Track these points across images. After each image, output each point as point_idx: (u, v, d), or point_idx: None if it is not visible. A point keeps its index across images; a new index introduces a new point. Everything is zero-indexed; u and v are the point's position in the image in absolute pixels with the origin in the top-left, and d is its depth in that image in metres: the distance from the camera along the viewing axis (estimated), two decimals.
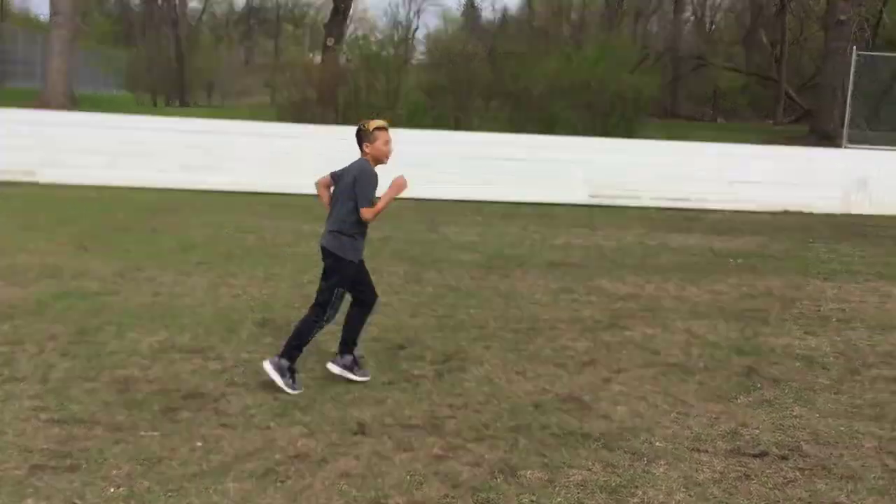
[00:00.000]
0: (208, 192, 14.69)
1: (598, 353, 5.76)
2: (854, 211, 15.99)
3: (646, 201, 15.67)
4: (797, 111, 34.92)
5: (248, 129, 15.97)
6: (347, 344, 4.96)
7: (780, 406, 4.76)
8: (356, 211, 4.69)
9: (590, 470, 3.81)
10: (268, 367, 4.73)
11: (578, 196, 15.58)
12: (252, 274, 7.96)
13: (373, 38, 37.75)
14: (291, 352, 4.77)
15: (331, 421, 4.30)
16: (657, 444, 4.14)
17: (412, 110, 22.29)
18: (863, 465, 3.95)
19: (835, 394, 5.02)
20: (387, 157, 4.82)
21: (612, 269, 8.95)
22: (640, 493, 3.60)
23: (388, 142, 4.78)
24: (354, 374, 4.92)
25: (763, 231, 12.86)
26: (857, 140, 16.98)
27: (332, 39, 32.46)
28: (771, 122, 35.19)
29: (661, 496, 3.58)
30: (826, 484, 3.73)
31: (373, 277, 8.06)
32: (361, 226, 4.77)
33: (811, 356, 5.83)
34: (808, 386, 5.16)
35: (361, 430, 4.18)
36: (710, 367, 5.50)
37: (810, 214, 15.60)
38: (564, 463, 3.87)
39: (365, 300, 5.02)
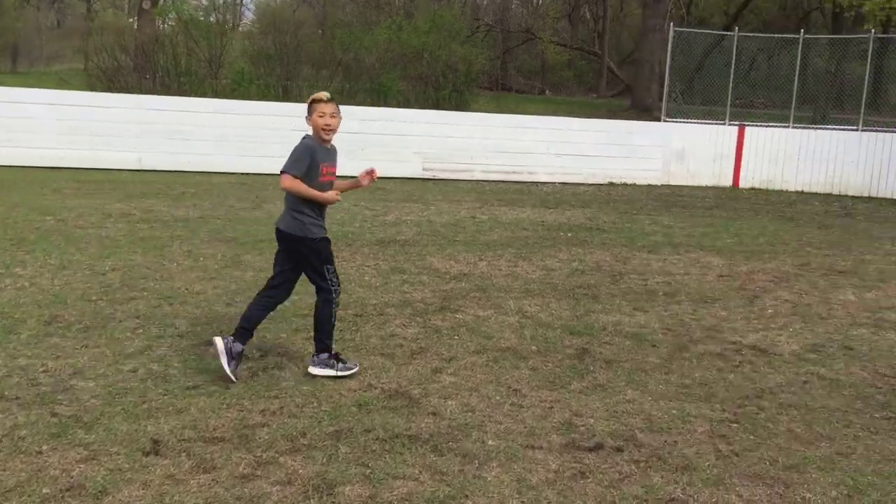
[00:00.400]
0: (2, 167, 13.21)
1: (428, 340, 5.42)
2: (673, 182, 16.67)
3: (478, 174, 15.61)
4: (619, 85, 36.30)
5: (50, 97, 14.49)
6: (243, 332, 4.58)
7: (613, 390, 4.60)
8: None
9: (416, 480, 3.43)
10: (314, 370, 4.59)
11: (411, 169, 15.27)
12: (45, 262, 7.05)
13: (195, 2, 35.73)
14: (324, 342, 4.63)
15: (119, 439, 3.68)
16: (490, 442, 3.84)
17: (237, 79, 21.15)
18: (696, 453, 3.82)
19: (665, 373, 4.93)
20: (323, 130, 4.49)
21: (444, 247, 8.67)
22: (471, 503, 3.28)
23: (323, 115, 4.46)
24: (222, 353, 4.44)
25: (591, 204, 13.06)
26: (674, 113, 17.68)
27: (149, 2, 30.33)
28: (595, 95, 36.42)
29: None
30: (661, 477, 3.56)
31: (187, 262, 7.41)
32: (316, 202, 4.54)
33: (641, 333, 5.76)
34: (640, 366, 5.05)
35: (155, 448, 3.60)
36: (543, 350, 5.29)
37: (633, 186, 16.10)
38: (389, 473, 3.48)
39: (275, 285, 4.70)
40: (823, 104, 19.78)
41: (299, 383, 4.51)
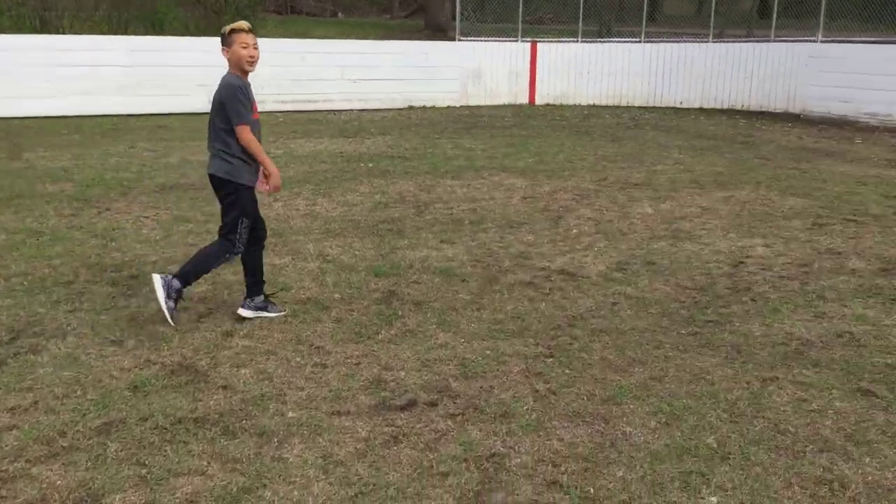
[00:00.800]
0: None
1: (217, 298, 4.84)
2: (472, 103, 16.58)
3: (270, 105, 14.69)
4: (412, 5, 35.76)
5: None
6: (255, 285, 4.50)
7: (423, 336, 4.28)
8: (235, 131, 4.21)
9: (203, 473, 2.94)
10: (157, 280, 4.25)
11: (196, 104, 14.08)
12: None
13: None
14: (188, 276, 4.33)
15: None
16: (290, 414, 3.40)
17: None
18: (514, 396, 3.58)
19: (477, 310, 4.68)
20: (247, 62, 4.29)
21: None
22: (270, 493, 2.84)
23: (246, 45, 4.25)
24: (270, 312, 4.51)
25: (391, 130, 12.65)
26: (468, 32, 17.47)
27: None
28: (388, 16, 35.71)
29: (297, 492, 2.85)
30: (480, 430, 3.28)
31: None
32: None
33: (450, 268, 5.47)
34: (450, 304, 4.76)
35: None
36: (348, 297, 4.88)
37: (433, 108, 15.85)
38: (170, 470, 2.96)
39: (257, 236, 4.50)
40: (607, 18, 20.33)
41: (60, 368, 3.82)
